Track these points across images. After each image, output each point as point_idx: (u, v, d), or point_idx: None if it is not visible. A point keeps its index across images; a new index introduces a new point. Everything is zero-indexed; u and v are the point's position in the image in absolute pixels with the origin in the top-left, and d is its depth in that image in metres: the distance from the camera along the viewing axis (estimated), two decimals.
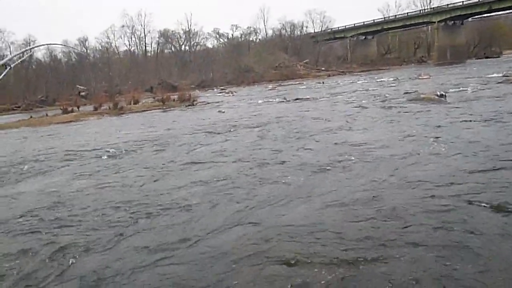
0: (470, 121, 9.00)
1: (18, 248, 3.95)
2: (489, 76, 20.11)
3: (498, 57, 51.95)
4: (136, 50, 59.14)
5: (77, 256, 3.67)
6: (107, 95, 28.52)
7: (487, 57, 51.48)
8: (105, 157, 8.82)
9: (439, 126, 8.69)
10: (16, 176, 7.66)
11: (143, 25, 58.71)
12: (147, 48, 59.52)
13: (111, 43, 56.65)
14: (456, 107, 11.26)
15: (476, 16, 55.45)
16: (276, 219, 4.18)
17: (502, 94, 12.97)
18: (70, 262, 3.57)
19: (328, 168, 5.99)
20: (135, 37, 58.73)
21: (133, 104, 24.64)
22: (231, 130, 11.31)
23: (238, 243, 3.67)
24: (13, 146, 12.53)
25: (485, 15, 55.59)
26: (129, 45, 59.59)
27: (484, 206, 3.98)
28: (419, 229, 3.63)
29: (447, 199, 4.27)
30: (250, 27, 66.48)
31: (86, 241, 3.97)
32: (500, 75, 19.74)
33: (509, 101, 11.45)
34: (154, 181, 6.29)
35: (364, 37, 61.71)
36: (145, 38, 58.85)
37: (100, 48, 54.85)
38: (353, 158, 6.40)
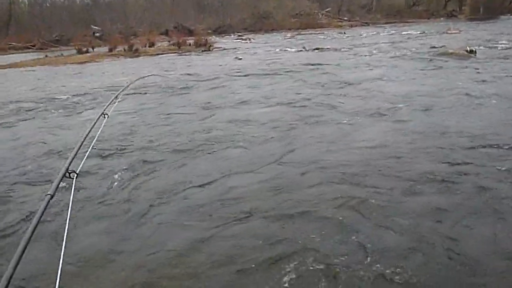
0: (501, 77, 8.56)
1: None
2: None
3: None
4: None
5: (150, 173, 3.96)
6: (122, 36, 27.88)
7: None
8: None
9: (468, 81, 8.34)
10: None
11: None
12: None
13: None
14: (486, 64, 10.63)
15: None
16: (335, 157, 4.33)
17: None
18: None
19: (373, 114, 6.10)
20: None
21: (148, 46, 24.19)
22: (249, 76, 11.06)
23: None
24: (36, 83, 12.53)
25: None
26: None
27: None
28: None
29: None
30: None
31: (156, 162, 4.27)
32: None
33: None
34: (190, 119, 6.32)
35: None
36: None
37: None
38: (392, 106, 6.48)
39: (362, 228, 2.86)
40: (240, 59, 15.91)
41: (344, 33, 28.95)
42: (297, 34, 30.40)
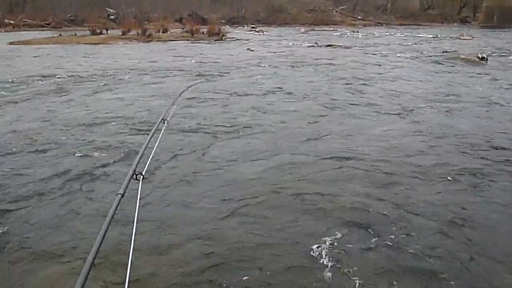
0: (510, 85, 8.65)
1: None
2: None
3: None
4: None
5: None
6: (136, 21, 28.04)
7: None
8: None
9: (478, 86, 8.51)
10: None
11: None
12: None
13: None
14: (497, 71, 10.73)
15: None
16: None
17: None
18: None
19: (387, 111, 6.34)
20: None
21: (162, 32, 24.33)
22: (262, 67, 11.19)
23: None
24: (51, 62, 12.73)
25: None
26: None
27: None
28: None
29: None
30: None
31: None
32: None
33: None
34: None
35: None
36: None
37: None
38: (405, 106, 6.71)
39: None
40: (252, 50, 16.04)
41: (357, 31, 28.96)
42: (310, 30, 30.43)
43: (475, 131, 5.25)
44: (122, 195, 1.57)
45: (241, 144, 4.81)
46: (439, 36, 23.87)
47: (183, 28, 26.25)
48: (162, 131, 2.68)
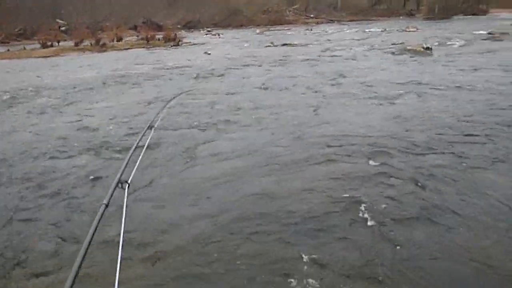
0: (452, 70, 9.44)
1: None
2: (475, 32, 20.16)
3: (484, 14, 51.54)
4: None
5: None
6: (88, 31, 27.53)
7: (474, 14, 50.96)
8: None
9: (421, 74, 9.18)
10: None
11: None
12: None
13: None
14: (440, 59, 11.53)
15: None
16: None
17: (486, 50, 13.21)
18: None
19: (348, 96, 7.18)
20: None
21: (116, 41, 24.04)
22: (215, 69, 11.43)
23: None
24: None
25: None
26: None
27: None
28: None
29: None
30: None
31: None
32: (486, 32, 19.82)
33: (491, 56, 11.72)
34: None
35: None
36: None
37: None
38: (363, 92, 7.52)
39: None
40: (209, 53, 16.25)
41: (311, 29, 29.73)
42: (266, 30, 30.92)
43: (439, 109, 6.05)
44: (107, 205, 1.52)
45: (227, 145, 4.99)
46: (387, 29, 24.96)
47: (138, 36, 26.04)
48: (149, 138, 2.66)
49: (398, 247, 2.69)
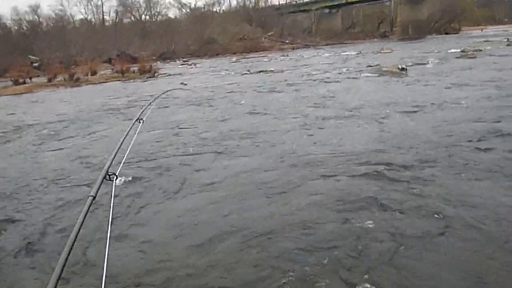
0: (427, 90, 9.43)
1: None
2: (448, 51, 20.55)
3: (457, 33, 53.31)
4: (93, 19, 56.51)
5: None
6: (62, 66, 27.08)
7: (446, 33, 52.66)
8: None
9: (397, 94, 9.14)
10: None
11: None
12: (104, 17, 57.02)
13: (65, 11, 53.75)
14: (416, 80, 11.51)
15: None
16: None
17: (459, 68, 13.32)
18: None
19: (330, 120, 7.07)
20: (91, 5, 55.95)
21: (91, 75, 23.63)
22: (192, 100, 11.14)
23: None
24: None
25: None
26: (86, 13, 56.81)
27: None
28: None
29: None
30: None
31: None
32: (459, 50, 20.21)
33: (464, 74, 11.77)
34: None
35: (328, 10, 61.47)
36: (102, 6, 56.21)
37: (54, 16, 52.03)
38: (343, 114, 7.38)
39: None
40: (186, 84, 15.99)
41: (287, 55, 29.96)
42: (242, 58, 31.03)
43: (415, 127, 6.12)
44: (94, 197, 1.52)
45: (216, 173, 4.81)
46: (362, 52, 25.29)
47: (113, 69, 25.73)
48: (137, 131, 2.71)
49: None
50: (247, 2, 59.86)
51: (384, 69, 14.10)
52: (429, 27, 56.12)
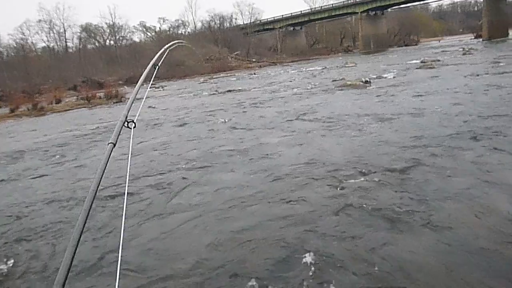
0: (390, 100, 9.72)
1: None
2: (409, 62, 21.33)
3: (416, 45, 55.54)
4: (56, 47, 55.56)
5: None
6: (25, 95, 26.36)
7: (406, 45, 54.84)
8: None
9: (361, 106, 9.45)
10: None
11: (62, 19, 55.19)
12: (68, 44, 56.10)
13: (27, 40, 52.60)
14: (378, 91, 11.85)
15: (395, 7, 58.73)
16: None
17: (419, 78, 13.82)
18: None
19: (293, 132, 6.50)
20: (53, 33, 55.05)
21: (55, 103, 23.08)
22: (160, 123, 11.05)
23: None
24: None
25: (403, 5, 59.07)
26: (48, 41, 55.83)
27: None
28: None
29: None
30: (178, 19, 65.24)
31: None
32: (418, 61, 21.01)
33: (424, 84, 12.21)
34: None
35: (292, 28, 62.90)
36: (65, 33, 55.31)
37: (15, 45, 50.90)
38: (315, 126, 7.69)
39: None
40: (154, 107, 15.86)
41: (255, 73, 30.31)
42: (210, 78, 31.15)
43: (378, 136, 6.23)
44: (114, 144, 1.55)
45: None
46: (327, 67, 25.90)
47: (78, 96, 25.25)
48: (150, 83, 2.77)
49: None
50: (212, 24, 60.54)
51: (349, 83, 14.45)
52: (390, 40, 58.32)
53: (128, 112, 1.90)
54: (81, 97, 23.72)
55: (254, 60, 45.04)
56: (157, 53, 3.13)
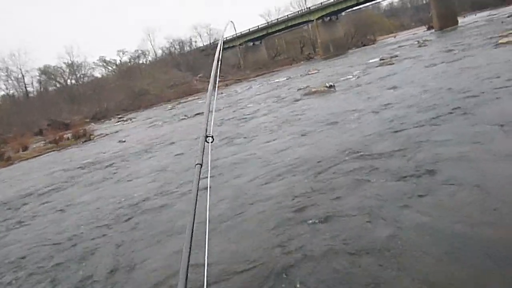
0: (354, 101, 9.98)
1: None
2: (368, 62, 21.91)
3: (374, 44, 57.10)
4: (16, 93, 54.33)
5: None
6: None
7: (364, 45, 56.29)
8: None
9: (327, 110, 9.66)
10: None
11: (19, 65, 54.19)
12: (28, 88, 55.01)
13: None
14: (343, 94, 12.13)
15: (348, 10, 60.47)
16: None
17: (380, 76, 14.19)
18: None
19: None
20: (12, 79, 53.92)
21: (22, 151, 22.46)
22: (135, 153, 10.92)
23: None
24: None
25: (355, 8, 60.89)
26: (7, 88, 54.58)
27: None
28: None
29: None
30: (138, 50, 64.99)
31: None
32: (377, 59, 21.60)
33: (385, 81, 12.55)
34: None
35: (252, 43, 63.75)
36: (23, 78, 54.26)
37: None
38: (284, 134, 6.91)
39: None
40: (124, 141, 15.66)
41: (221, 93, 30.39)
42: (177, 104, 31.08)
43: (343, 137, 6.00)
44: (201, 165, 1.65)
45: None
46: (291, 77, 26.28)
47: (45, 140, 24.65)
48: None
49: None
50: (172, 49, 60.66)
51: (313, 89, 14.70)
52: (348, 42, 59.85)
53: (207, 128, 1.98)
54: (49, 141, 23.18)
55: (219, 79, 45.22)
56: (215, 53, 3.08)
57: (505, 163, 3.86)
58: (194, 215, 1.40)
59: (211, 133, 1.99)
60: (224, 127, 11.78)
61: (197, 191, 1.50)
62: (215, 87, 2.55)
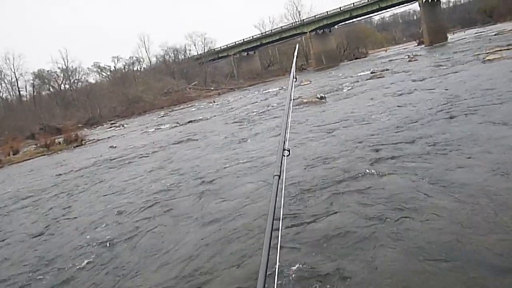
0: (343, 112, 10.19)
1: None
2: (360, 74, 22.29)
3: (365, 56, 57.93)
4: (9, 96, 54.10)
5: None
6: None
7: (356, 58, 57.07)
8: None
9: (318, 121, 9.85)
10: None
11: (13, 69, 54.05)
12: (21, 92, 54.79)
13: None
14: (333, 105, 12.38)
15: (341, 24, 61.34)
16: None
17: (370, 89, 14.50)
18: None
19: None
20: (5, 83, 53.70)
21: (13, 155, 22.39)
22: (123, 161, 11.02)
23: None
24: None
25: (348, 21, 61.78)
26: (0, 92, 54.39)
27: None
28: None
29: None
30: (132, 57, 65.18)
31: None
32: (368, 72, 22.00)
33: (375, 93, 12.84)
34: None
35: (246, 53, 64.27)
36: (17, 82, 54.08)
37: None
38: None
39: None
40: (115, 147, 15.74)
41: (214, 101, 30.64)
42: (170, 111, 31.21)
43: (332, 147, 6.21)
44: (279, 176, 1.68)
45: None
46: (283, 87, 26.58)
47: (37, 144, 24.59)
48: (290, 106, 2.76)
49: None
50: (167, 57, 60.88)
51: (305, 100, 14.95)
52: (340, 54, 60.64)
53: (284, 140, 2.01)
54: (40, 145, 23.14)
55: (212, 88, 45.50)
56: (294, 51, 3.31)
57: (472, 174, 4.10)
58: (273, 224, 1.40)
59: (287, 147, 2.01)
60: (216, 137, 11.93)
61: (275, 201, 1.51)
62: (290, 106, 2.63)
